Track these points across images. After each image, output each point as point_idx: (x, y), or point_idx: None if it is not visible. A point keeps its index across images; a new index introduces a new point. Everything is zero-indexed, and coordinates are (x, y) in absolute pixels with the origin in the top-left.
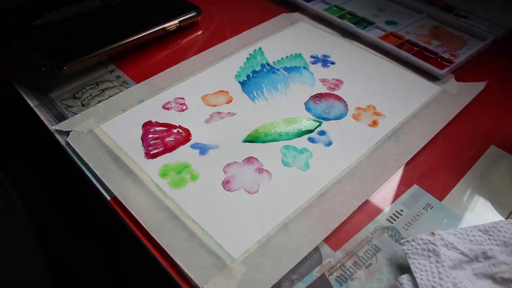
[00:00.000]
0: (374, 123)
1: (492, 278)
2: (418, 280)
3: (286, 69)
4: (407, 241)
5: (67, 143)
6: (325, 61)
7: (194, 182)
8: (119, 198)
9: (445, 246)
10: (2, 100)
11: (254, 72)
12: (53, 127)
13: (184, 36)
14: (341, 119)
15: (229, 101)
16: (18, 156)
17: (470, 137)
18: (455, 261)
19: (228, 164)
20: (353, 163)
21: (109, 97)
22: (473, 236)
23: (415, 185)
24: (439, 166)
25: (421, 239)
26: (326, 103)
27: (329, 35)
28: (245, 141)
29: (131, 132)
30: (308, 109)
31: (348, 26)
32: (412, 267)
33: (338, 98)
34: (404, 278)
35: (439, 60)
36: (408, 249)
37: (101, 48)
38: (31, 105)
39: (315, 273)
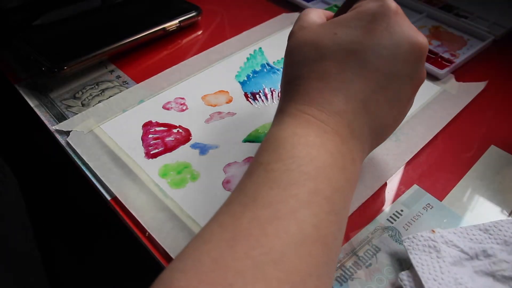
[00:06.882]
0: None
1: (493, 275)
2: (420, 273)
3: None
4: (408, 238)
5: (67, 143)
6: None
7: (194, 182)
8: (119, 198)
9: (445, 244)
10: (2, 100)
11: (254, 72)
12: (53, 127)
13: (184, 36)
14: None
15: (229, 101)
16: (18, 156)
17: (470, 137)
18: (455, 258)
19: (228, 164)
20: None
21: (109, 97)
22: (473, 235)
23: (415, 185)
24: (439, 166)
25: (422, 236)
26: None
27: None
28: (245, 141)
29: (131, 132)
30: None
31: None
32: (414, 262)
33: None
34: (404, 275)
35: (439, 60)
36: (409, 245)
37: (101, 48)
38: (31, 105)
39: None
